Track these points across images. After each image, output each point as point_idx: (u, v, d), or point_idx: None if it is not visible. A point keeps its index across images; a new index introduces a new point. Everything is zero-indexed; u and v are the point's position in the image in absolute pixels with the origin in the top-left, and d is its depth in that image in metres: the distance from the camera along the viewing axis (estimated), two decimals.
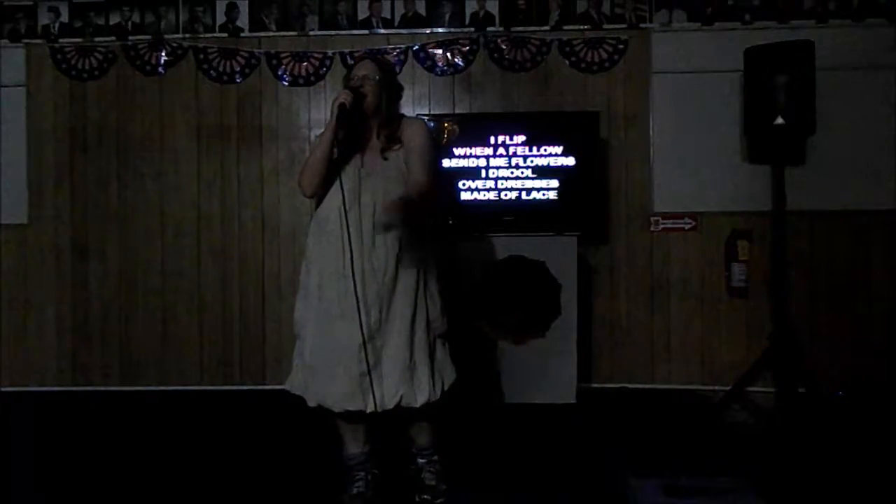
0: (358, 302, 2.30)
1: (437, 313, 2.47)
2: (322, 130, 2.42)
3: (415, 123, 2.52)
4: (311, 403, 2.40)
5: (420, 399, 2.38)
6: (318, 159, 2.36)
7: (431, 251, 2.49)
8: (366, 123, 2.44)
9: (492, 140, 3.82)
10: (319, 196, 2.42)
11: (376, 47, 4.16)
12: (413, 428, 2.56)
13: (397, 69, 4.06)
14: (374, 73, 2.43)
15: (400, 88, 2.54)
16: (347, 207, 2.33)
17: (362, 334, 2.30)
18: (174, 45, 4.22)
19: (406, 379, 2.37)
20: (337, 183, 2.34)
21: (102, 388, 4.20)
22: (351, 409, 2.34)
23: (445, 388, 2.46)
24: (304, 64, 4.21)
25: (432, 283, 2.47)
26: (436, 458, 2.59)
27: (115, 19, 4.26)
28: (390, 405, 2.35)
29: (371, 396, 2.32)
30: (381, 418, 2.40)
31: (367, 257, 2.35)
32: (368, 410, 2.34)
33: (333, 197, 2.37)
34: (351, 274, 2.30)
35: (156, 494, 2.70)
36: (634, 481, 2.54)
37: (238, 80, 4.22)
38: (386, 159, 2.42)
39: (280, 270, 4.19)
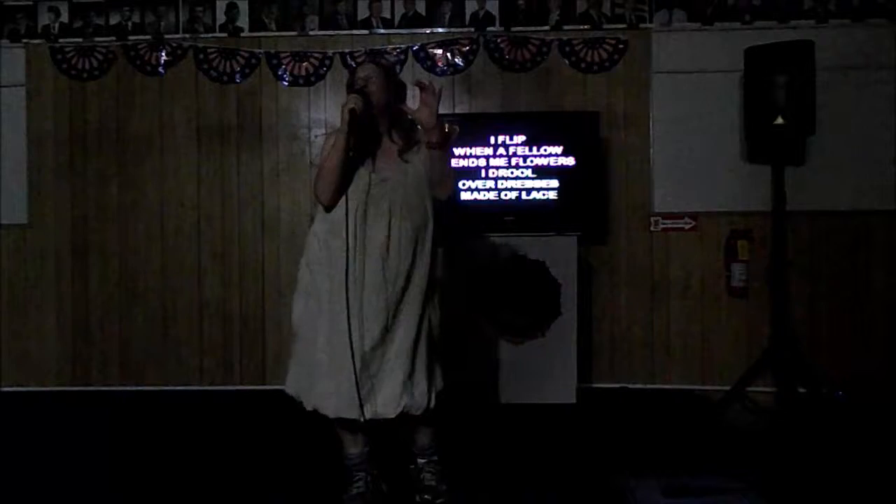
0: (363, 312, 2.32)
1: (437, 321, 2.49)
2: (326, 133, 2.42)
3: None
4: (308, 407, 2.40)
5: (418, 407, 2.39)
6: (332, 168, 2.32)
7: (436, 259, 2.50)
8: (376, 125, 2.43)
9: (492, 140, 3.82)
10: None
11: (376, 47, 4.16)
12: (413, 428, 2.56)
13: (397, 69, 4.06)
14: (376, 73, 2.43)
15: (403, 87, 2.54)
16: (361, 213, 2.33)
17: (367, 344, 2.32)
18: (174, 45, 4.22)
19: (408, 389, 2.37)
20: (351, 188, 2.34)
21: (102, 388, 4.20)
22: (346, 416, 2.34)
23: (437, 392, 2.47)
24: (304, 64, 4.20)
25: (435, 290, 2.49)
26: (436, 458, 2.59)
27: (115, 19, 4.26)
28: (392, 414, 2.35)
29: (367, 405, 2.32)
30: (380, 423, 2.40)
31: (381, 266, 2.34)
32: (363, 420, 2.33)
33: (343, 204, 2.34)
34: (362, 282, 2.32)
35: (156, 494, 2.70)
36: (634, 481, 2.54)
37: (238, 80, 4.22)
38: (407, 161, 2.42)
39: (280, 270, 4.19)
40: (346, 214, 2.31)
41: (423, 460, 2.58)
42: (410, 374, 2.37)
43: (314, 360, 2.38)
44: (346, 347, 2.29)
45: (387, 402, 2.35)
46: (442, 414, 2.54)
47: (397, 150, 2.43)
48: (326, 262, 2.38)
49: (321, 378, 2.36)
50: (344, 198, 2.34)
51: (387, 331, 2.36)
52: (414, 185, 2.41)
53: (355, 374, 2.29)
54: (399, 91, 2.51)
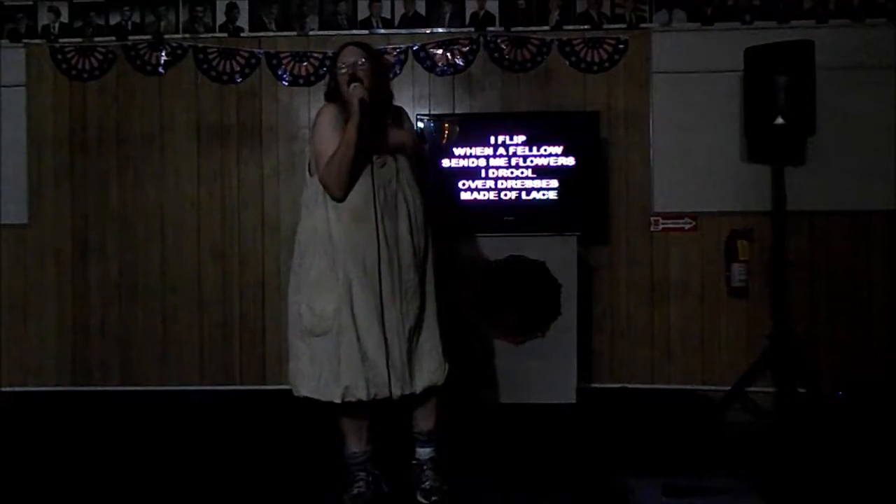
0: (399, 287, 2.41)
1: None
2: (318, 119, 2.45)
3: (405, 114, 2.62)
4: (366, 397, 2.37)
5: (445, 374, 2.50)
6: (345, 160, 2.34)
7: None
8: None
9: (492, 140, 3.82)
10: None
11: (376, 47, 4.15)
12: (420, 411, 2.57)
13: (397, 69, 4.08)
14: (362, 58, 2.46)
15: (388, 67, 2.57)
16: (381, 196, 2.38)
17: (410, 320, 2.42)
18: (174, 45, 4.22)
19: (443, 355, 2.50)
20: (363, 175, 2.37)
21: (102, 388, 4.20)
22: (406, 393, 2.40)
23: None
24: (304, 64, 4.20)
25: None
26: (436, 456, 2.59)
27: (115, 19, 4.26)
28: (442, 380, 2.47)
29: (418, 376, 2.43)
30: (399, 404, 2.44)
31: (410, 243, 2.43)
32: (418, 392, 2.44)
33: (362, 189, 2.38)
34: (398, 263, 2.39)
35: (156, 495, 2.70)
36: (634, 481, 2.54)
37: (238, 80, 4.22)
38: (395, 149, 2.47)
39: (280, 270, 4.18)
40: (374, 199, 2.35)
41: (425, 450, 2.58)
42: (440, 342, 2.50)
43: (355, 352, 2.37)
44: (392, 327, 2.37)
45: (434, 369, 2.46)
46: (442, 410, 2.57)
47: (388, 138, 2.46)
48: (353, 251, 2.38)
49: (376, 364, 2.36)
50: (358, 185, 2.38)
51: (422, 305, 2.47)
52: (406, 162, 2.50)
53: (408, 350, 2.41)
54: (385, 72, 2.58)
